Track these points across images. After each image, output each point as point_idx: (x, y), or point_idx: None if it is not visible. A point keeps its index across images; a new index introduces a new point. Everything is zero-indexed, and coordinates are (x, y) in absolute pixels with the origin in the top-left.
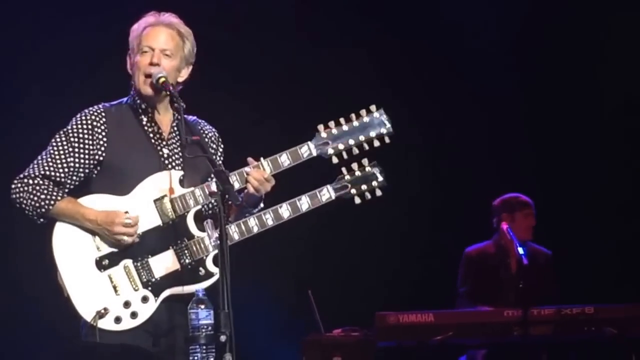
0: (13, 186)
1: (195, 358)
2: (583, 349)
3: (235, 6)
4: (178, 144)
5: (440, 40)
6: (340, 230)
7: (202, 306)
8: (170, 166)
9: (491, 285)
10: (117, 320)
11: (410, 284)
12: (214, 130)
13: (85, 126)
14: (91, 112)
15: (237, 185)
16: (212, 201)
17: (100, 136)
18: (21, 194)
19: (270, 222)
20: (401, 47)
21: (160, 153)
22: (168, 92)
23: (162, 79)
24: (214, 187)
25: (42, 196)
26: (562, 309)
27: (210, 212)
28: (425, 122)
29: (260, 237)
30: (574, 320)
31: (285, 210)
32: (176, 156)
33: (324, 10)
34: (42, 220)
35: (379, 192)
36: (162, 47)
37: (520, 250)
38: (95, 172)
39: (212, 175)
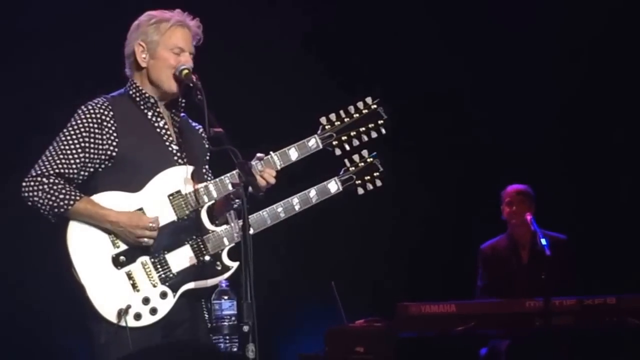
0: (24, 184)
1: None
2: (605, 340)
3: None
4: (182, 139)
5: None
6: (363, 221)
7: (226, 297)
8: (180, 161)
9: (504, 277)
10: (138, 316)
11: (432, 275)
12: (201, 127)
13: (93, 119)
14: (98, 105)
15: (230, 187)
16: (230, 195)
17: (110, 130)
18: (36, 193)
19: (282, 215)
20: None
21: (170, 148)
22: (191, 84)
23: (186, 71)
24: (236, 179)
25: (61, 196)
26: (584, 300)
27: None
28: (452, 111)
29: (283, 227)
30: (596, 311)
31: (296, 203)
32: (184, 151)
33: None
34: (56, 219)
35: (379, 182)
36: (191, 50)
37: (543, 241)
38: (104, 166)
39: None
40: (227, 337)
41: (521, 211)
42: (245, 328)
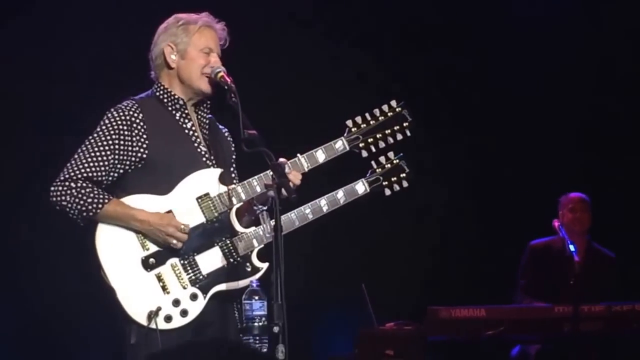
0: (53, 189)
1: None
2: (633, 346)
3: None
4: (210, 141)
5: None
6: (395, 224)
7: (256, 297)
8: (209, 162)
9: (552, 280)
10: (168, 319)
11: (462, 279)
12: (227, 129)
13: (124, 121)
14: (128, 107)
15: (258, 190)
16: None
17: (140, 132)
18: (64, 197)
19: (310, 216)
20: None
21: (199, 150)
22: (226, 86)
23: (221, 74)
24: (269, 180)
25: (89, 200)
26: (612, 306)
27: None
28: (472, 114)
29: (314, 229)
30: (625, 317)
31: (324, 204)
32: (213, 153)
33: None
34: (85, 223)
35: (405, 184)
36: (219, 51)
37: (572, 248)
38: (133, 167)
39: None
40: (257, 338)
41: (584, 219)
42: (276, 329)
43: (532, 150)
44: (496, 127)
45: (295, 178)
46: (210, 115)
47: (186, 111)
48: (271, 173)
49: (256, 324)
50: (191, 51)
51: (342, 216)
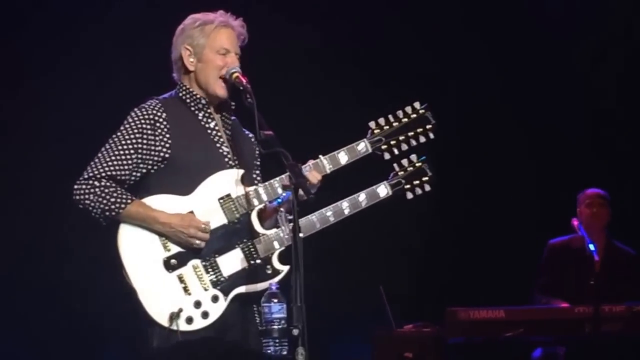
0: (77, 187)
1: (268, 351)
2: None
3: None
4: (233, 142)
5: None
6: (411, 226)
7: (275, 300)
8: (231, 163)
9: (571, 279)
10: (189, 320)
11: (481, 280)
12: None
13: (147, 121)
14: (151, 107)
15: (279, 191)
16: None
17: (163, 132)
18: (87, 196)
19: (331, 219)
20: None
21: (221, 150)
22: (241, 87)
23: (236, 74)
24: (286, 181)
25: (112, 199)
26: (633, 306)
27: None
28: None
29: (332, 232)
30: None
31: (346, 207)
32: (235, 154)
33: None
34: (107, 222)
35: (428, 187)
36: (237, 50)
37: (591, 247)
38: (156, 167)
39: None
40: (277, 341)
41: (601, 215)
42: (295, 331)
43: (552, 147)
44: (515, 123)
45: (313, 178)
46: (234, 117)
47: (209, 111)
48: (288, 174)
49: (275, 326)
50: (208, 53)
51: (359, 217)
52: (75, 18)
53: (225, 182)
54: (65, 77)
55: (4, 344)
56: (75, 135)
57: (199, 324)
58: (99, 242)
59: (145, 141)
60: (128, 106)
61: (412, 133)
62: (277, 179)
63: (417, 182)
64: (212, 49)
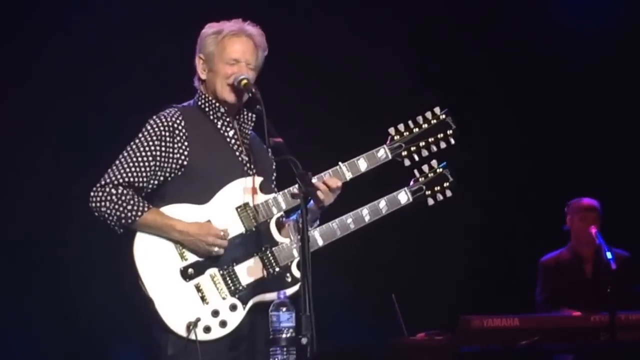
0: (93, 194)
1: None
2: None
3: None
4: (252, 150)
5: None
6: (424, 234)
7: (284, 309)
8: (250, 172)
9: (567, 291)
10: (207, 329)
11: (495, 288)
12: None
13: (166, 128)
14: (170, 115)
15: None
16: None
17: (182, 139)
18: (103, 203)
19: (352, 226)
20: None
21: (240, 158)
22: (250, 94)
23: (245, 81)
24: (296, 190)
25: (129, 207)
26: None
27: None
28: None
29: (345, 240)
30: None
31: (366, 214)
32: (253, 162)
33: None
34: (123, 230)
35: (449, 193)
36: (247, 60)
37: (609, 255)
38: (174, 175)
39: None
40: (285, 349)
41: (589, 225)
42: (304, 340)
43: (565, 154)
44: (532, 129)
45: (332, 183)
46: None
47: (227, 119)
48: (298, 182)
49: (284, 335)
50: (217, 63)
51: (373, 225)
52: (75, 17)
53: (243, 190)
54: (64, 77)
55: (4, 344)
56: (75, 135)
57: (217, 333)
58: (99, 241)
59: (164, 149)
60: (128, 106)
61: (432, 139)
62: (295, 186)
63: (439, 188)
64: (221, 59)
